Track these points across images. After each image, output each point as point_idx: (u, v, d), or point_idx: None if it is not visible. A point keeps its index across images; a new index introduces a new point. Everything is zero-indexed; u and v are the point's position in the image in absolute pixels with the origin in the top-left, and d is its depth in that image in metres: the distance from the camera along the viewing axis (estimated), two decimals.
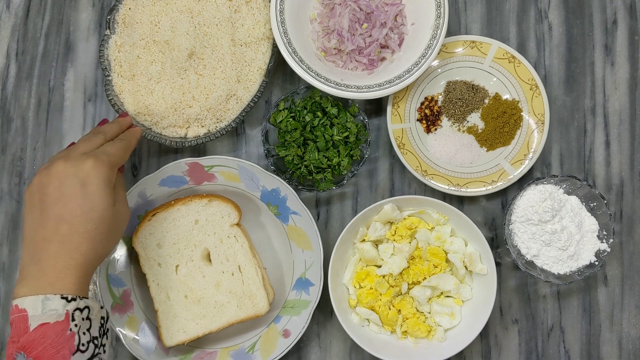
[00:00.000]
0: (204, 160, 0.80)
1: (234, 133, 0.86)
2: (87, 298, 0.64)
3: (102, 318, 0.66)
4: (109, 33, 0.82)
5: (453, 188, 0.81)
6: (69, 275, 0.63)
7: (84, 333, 0.62)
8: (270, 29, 0.80)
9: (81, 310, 0.63)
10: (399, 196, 0.80)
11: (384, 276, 0.79)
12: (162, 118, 0.80)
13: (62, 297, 0.61)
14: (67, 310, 0.61)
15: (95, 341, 0.64)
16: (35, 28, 0.89)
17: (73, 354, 0.61)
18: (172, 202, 0.81)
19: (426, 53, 0.79)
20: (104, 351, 0.66)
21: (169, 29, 0.80)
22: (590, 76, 0.86)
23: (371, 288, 0.79)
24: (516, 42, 0.87)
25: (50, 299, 0.61)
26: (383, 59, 0.83)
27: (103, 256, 0.67)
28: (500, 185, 0.82)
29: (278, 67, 0.85)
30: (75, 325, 0.62)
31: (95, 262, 0.66)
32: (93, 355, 0.63)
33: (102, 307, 0.66)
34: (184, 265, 0.80)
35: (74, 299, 0.62)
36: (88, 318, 0.63)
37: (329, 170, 0.80)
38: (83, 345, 0.62)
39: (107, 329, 0.67)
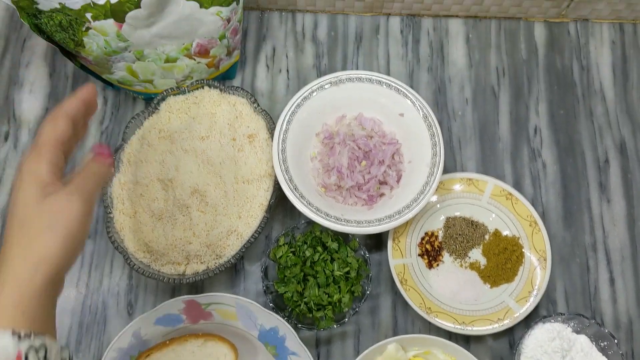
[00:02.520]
0: (201, 298, 0.77)
1: (233, 269, 0.85)
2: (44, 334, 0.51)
3: None
4: (113, 171, 0.83)
5: (459, 326, 0.79)
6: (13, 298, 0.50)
7: None
8: (272, 166, 0.81)
9: (37, 350, 0.49)
10: (402, 335, 0.77)
11: None
12: (162, 255, 0.79)
13: (14, 333, 0.49)
14: (19, 350, 0.48)
15: None
16: None
17: None
18: (167, 342, 0.77)
19: (424, 190, 0.80)
20: None
21: (173, 168, 0.81)
22: (587, 212, 0.87)
23: None
24: (512, 179, 0.88)
25: None
26: (382, 194, 0.84)
27: (54, 267, 0.52)
28: (507, 323, 0.79)
29: (279, 203, 0.85)
30: None
31: (42, 275, 0.51)
32: None
33: (64, 348, 0.53)
34: None
35: (27, 336, 0.49)
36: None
37: (330, 307, 0.78)
38: None
39: None
